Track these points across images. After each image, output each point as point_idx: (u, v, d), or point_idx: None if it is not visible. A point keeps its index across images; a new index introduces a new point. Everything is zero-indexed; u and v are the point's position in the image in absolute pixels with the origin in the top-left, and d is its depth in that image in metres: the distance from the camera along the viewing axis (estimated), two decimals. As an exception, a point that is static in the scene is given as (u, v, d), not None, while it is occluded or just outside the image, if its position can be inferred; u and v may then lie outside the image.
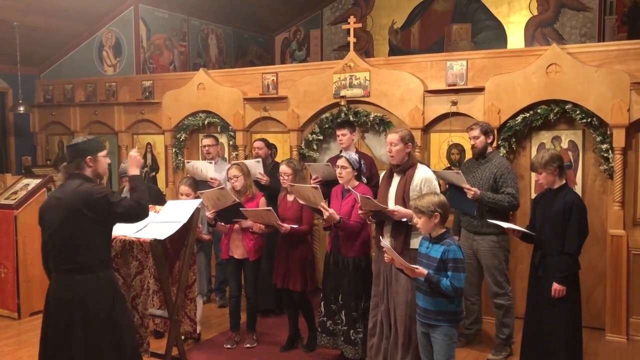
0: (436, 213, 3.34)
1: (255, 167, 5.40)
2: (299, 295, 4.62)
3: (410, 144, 4.03)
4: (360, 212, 4.02)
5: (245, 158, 6.19)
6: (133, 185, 3.34)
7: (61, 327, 3.12)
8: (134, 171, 3.39)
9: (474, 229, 4.55)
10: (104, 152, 3.33)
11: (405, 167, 4.00)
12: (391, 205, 3.94)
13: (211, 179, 5.57)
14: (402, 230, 3.91)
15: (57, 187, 3.30)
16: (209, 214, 4.58)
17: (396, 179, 4.05)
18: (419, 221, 3.41)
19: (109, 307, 3.18)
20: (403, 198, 3.91)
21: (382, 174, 4.28)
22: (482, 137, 4.55)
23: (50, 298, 3.20)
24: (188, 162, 5.93)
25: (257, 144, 5.79)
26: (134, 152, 3.50)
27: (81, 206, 3.06)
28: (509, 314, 4.52)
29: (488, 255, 4.50)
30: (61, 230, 3.11)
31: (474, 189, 4.34)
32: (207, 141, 6.04)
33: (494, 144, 4.96)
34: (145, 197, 3.28)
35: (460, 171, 4.49)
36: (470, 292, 4.69)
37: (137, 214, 3.25)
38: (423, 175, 3.94)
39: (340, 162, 4.31)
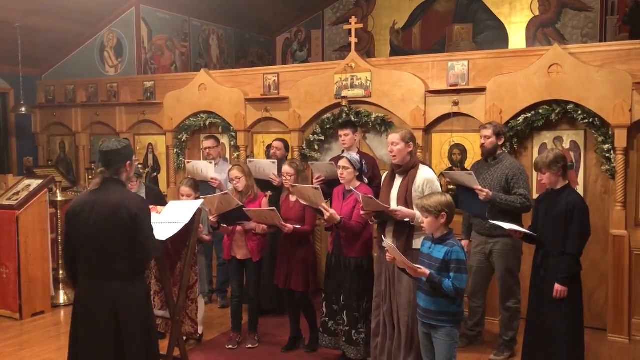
0: (443, 213, 3.34)
1: (270, 167, 5.35)
2: (300, 296, 4.61)
3: (411, 143, 4.02)
4: (362, 212, 4.01)
5: (247, 158, 6.18)
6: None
7: (93, 332, 3.06)
8: None
9: (487, 231, 4.49)
10: (135, 156, 3.32)
11: (407, 168, 3.99)
12: (393, 206, 3.93)
13: (212, 179, 5.56)
14: (405, 230, 3.90)
15: (91, 190, 3.15)
16: (212, 217, 4.58)
17: (398, 180, 4.04)
18: (425, 221, 3.41)
19: (144, 314, 3.16)
20: (405, 199, 3.91)
21: (384, 175, 4.28)
22: (494, 138, 4.52)
23: (81, 304, 3.14)
24: (188, 163, 5.92)
25: (277, 144, 5.72)
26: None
27: (126, 216, 3.01)
28: (516, 317, 4.51)
29: (502, 258, 4.46)
30: (99, 236, 3.02)
31: (486, 190, 4.29)
32: (207, 143, 6.04)
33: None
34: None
35: (472, 172, 4.45)
36: (477, 294, 4.68)
37: (150, 253, 3.26)
38: (425, 176, 3.94)
39: (341, 162, 4.31)
